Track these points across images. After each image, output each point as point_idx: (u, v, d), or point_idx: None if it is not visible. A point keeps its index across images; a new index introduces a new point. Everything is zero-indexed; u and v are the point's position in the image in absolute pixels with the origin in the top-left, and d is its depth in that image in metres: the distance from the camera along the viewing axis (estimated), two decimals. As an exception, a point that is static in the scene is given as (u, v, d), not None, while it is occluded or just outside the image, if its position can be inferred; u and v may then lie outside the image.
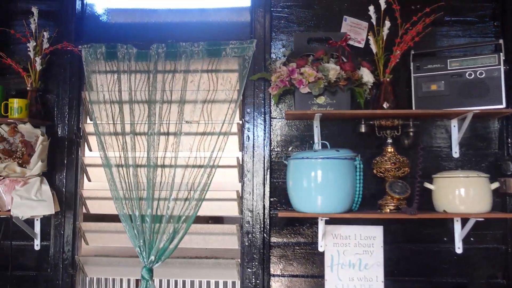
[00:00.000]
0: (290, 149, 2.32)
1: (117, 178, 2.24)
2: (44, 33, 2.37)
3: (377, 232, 2.21)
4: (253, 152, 2.32)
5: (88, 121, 2.45)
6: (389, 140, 2.18)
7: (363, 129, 2.20)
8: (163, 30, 2.47)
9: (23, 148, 2.25)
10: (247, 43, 2.28)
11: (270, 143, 2.33)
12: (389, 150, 2.16)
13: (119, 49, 2.33)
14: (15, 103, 2.23)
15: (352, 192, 2.06)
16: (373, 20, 2.20)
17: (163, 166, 2.25)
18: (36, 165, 2.22)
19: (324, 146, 2.19)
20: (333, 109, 2.15)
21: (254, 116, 2.34)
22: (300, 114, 2.19)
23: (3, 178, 2.26)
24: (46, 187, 2.26)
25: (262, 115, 2.33)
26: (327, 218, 2.09)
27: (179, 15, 2.48)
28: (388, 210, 2.11)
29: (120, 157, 2.27)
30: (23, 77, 2.34)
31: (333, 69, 2.13)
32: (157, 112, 2.27)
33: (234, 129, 2.30)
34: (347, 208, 2.05)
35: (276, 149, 2.33)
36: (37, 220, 2.37)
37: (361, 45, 2.30)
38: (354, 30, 2.31)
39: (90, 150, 2.45)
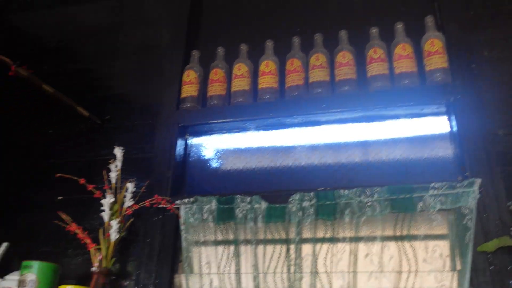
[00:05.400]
0: None
1: None
2: (129, 184, 1.57)
3: None
4: None
5: (182, 327, 1.43)
6: None
7: None
8: (306, 174, 1.56)
9: None
10: (461, 186, 1.28)
11: None
12: None
13: (238, 204, 1.43)
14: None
15: None
16: None
17: None
18: None
19: None
20: None
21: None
22: None
23: None
24: None
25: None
26: None
27: (331, 153, 1.58)
28: None
29: None
30: (89, 252, 1.48)
31: None
32: (304, 314, 1.23)
33: None
34: None
35: None
36: None
37: None
38: None
39: None
